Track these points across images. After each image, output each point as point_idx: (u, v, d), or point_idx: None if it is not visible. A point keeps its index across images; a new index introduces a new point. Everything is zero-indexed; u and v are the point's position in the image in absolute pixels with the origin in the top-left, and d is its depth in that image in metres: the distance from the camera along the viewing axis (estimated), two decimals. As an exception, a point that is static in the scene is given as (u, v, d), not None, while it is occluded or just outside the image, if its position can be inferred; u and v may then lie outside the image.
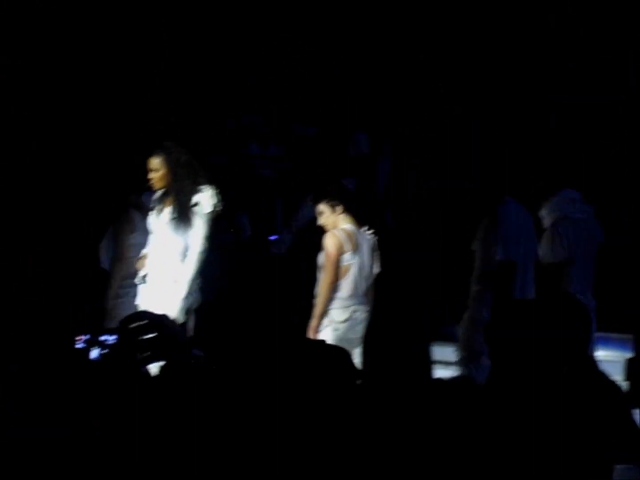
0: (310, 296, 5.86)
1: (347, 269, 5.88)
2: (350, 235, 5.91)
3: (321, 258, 5.94)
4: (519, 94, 7.85)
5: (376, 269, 6.00)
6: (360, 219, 5.95)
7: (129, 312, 4.40)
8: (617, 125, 6.70)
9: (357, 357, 5.90)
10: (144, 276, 5.91)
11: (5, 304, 6.21)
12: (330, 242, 5.89)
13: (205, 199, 5.81)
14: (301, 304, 6.08)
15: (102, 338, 3.27)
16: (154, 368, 3.53)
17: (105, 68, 7.22)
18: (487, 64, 8.17)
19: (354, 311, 5.91)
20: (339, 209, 5.97)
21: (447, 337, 6.62)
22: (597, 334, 5.76)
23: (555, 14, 7.62)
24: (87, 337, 3.27)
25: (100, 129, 7.27)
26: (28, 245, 6.72)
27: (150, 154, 5.89)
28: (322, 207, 6.02)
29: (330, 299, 5.87)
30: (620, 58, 7.38)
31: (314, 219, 6.12)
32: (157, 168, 5.87)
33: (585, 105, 7.38)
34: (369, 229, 6.02)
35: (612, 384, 3.07)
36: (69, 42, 7.05)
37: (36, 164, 6.96)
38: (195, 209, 5.79)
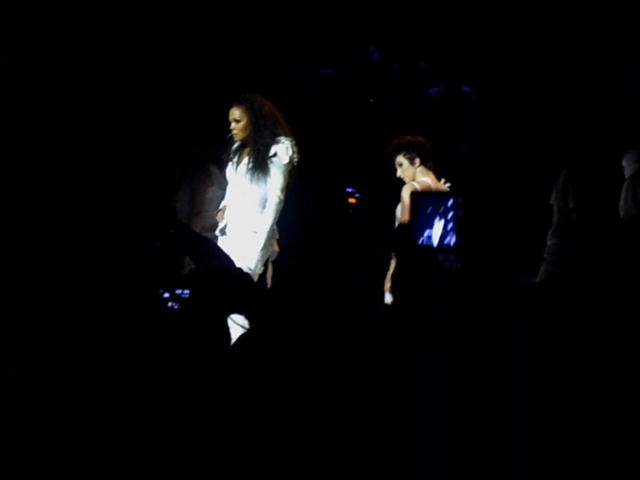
0: (387, 251, 5.88)
1: (425, 221, 5.90)
2: (428, 188, 5.95)
3: (399, 210, 5.98)
4: (519, 93, 7.84)
5: None
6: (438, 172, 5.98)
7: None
8: (617, 125, 6.68)
9: None
10: (223, 228, 5.94)
11: (5, 304, 6.21)
12: (408, 194, 5.90)
13: (283, 150, 5.81)
14: (379, 255, 6.09)
15: (177, 292, 3.31)
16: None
17: (105, 68, 7.21)
18: (486, 63, 8.17)
19: None
20: (417, 161, 6.00)
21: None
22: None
23: (555, 14, 7.61)
24: (166, 293, 3.31)
25: (99, 130, 7.26)
26: (28, 245, 6.71)
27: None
28: (401, 159, 6.05)
29: None
30: (620, 58, 7.38)
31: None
32: (239, 118, 5.90)
33: (585, 106, 7.36)
34: (446, 182, 6.07)
35: None
36: (69, 42, 7.04)
37: (36, 164, 6.95)
38: (273, 159, 5.80)
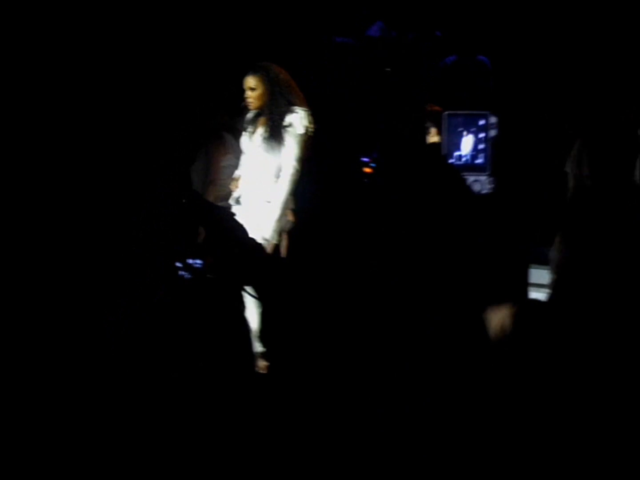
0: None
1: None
2: None
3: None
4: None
5: None
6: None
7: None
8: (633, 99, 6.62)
9: None
10: (238, 198, 5.89)
11: (5, 304, 6.15)
12: None
13: (298, 120, 5.78)
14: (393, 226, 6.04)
15: (190, 261, 3.28)
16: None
17: (105, 68, 7.16)
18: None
19: None
20: (433, 131, 5.98)
21: (540, 260, 6.39)
22: None
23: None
24: (178, 262, 3.27)
25: (100, 129, 7.20)
26: (28, 244, 6.65)
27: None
28: (429, 126, 5.99)
29: None
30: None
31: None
32: (254, 87, 5.86)
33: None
34: None
35: None
36: (68, 42, 6.99)
37: (36, 163, 6.89)
38: (289, 129, 5.76)
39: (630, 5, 7.34)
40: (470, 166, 3.57)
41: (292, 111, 5.83)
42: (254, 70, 5.92)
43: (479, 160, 3.60)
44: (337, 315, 3.08)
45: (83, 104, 6.99)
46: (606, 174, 5.89)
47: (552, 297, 3.79)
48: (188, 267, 3.32)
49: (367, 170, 7.26)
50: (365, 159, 7.11)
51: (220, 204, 6.05)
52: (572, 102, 6.79)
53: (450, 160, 3.58)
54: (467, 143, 3.67)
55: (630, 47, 7.13)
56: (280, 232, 5.86)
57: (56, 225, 6.39)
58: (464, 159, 3.61)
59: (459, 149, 3.68)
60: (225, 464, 2.95)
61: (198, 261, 3.32)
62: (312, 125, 5.85)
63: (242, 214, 5.76)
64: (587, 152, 5.98)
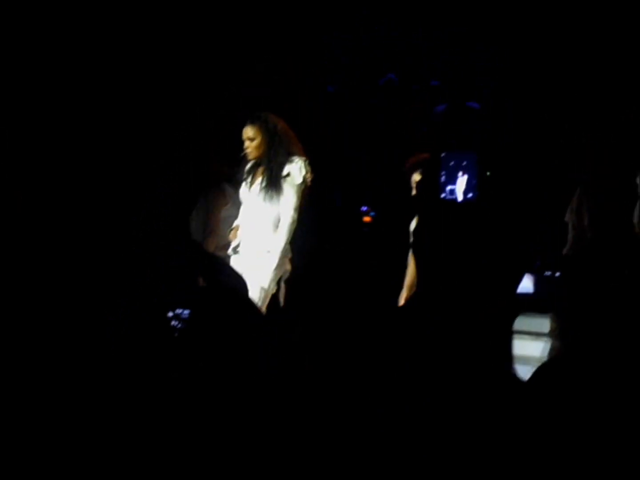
0: (402, 268, 5.88)
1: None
2: None
3: (413, 226, 5.97)
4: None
5: None
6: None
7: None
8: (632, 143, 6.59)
9: None
10: (236, 247, 5.96)
11: (4, 303, 6.21)
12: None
13: (296, 170, 5.82)
14: (393, 275, 6.08)
15: (178, 311, 3.29)
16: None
17: (106, 69, 7.11)
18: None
19: None
20: None
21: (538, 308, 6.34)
22: None
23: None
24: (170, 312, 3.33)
25: (101, 130, 7.19)
26: (28, 244, 6.71)
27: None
28: (418, 178, 5.99)
29: None
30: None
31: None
32: (252, 137, 5.89)
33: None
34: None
35: None
36: (69, 44, 6.94)
37: (37, 164, 6.90)
38: (287, 179, 5.80)
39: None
40: (464, 201, 3.61)
41: (290, 161, 5.84)
42: (252, 120, 5.91)
43: (472, 195, 3.64)
44: (336, 317, 3.15)
45: (84, 105, 6.97)
46: (607, 224, 5.86)
47: (555, 347, 3.79)
48: (177, 317, 3.37)
49: (366, 219, 7.25)
50: (364, 208, 7.10)
51: (219, 253, 6.10)
52: (570, 148, 6.75)
53: (443, 194, 3.62)
54: (461, 182, 3.70)
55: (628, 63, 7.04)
56: (278, 282, 5.92)
57: (56, 224, 6.44)
58: (457, 194, 3.66)
59: (453, 185, 3.72)
60: (226, 463, 3.05)
61: (186, 312, 3.37)
62: (310, 175, 5.86)
63: (241, 264, 5.83)
64: (587, 202, 5.95)
